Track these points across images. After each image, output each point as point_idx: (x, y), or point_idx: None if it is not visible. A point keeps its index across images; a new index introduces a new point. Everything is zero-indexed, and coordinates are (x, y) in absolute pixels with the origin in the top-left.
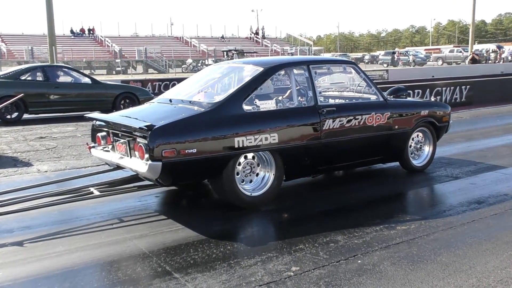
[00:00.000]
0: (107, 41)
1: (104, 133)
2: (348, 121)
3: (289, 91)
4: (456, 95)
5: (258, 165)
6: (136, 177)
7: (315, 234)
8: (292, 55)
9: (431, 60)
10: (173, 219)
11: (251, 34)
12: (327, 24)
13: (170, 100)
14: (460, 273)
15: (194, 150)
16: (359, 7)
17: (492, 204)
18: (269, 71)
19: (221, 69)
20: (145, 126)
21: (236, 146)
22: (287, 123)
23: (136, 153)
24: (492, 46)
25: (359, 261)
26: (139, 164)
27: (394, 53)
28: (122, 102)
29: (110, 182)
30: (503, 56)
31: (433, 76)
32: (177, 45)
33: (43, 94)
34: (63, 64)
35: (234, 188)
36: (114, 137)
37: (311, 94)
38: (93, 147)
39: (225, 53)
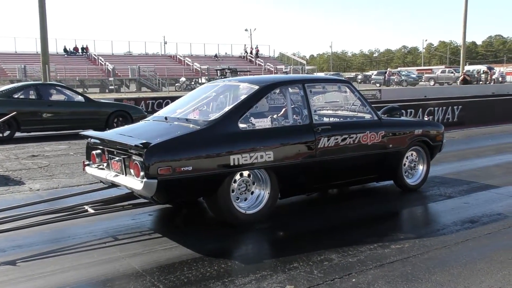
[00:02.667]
0: (101, 59)
1: (99, 151)
2: (343, 140)
3: (284, 109)
4: (448, 115)
5: (253, 183)
6: (130, 195)
7: (310, 252)
8: (287, 74)
9: (423, 80)
10: (167, 237)
11: (244, 53)
12: (320, 44)
13: (166, 118)
14: None
15: (190, 168)
16: (352, 27)
17: (486, 224)
18: (265, 90)
19: (216, 87)
20: (141, 143)
21: (232, 164)
22: (282, 141)
23: (132, 170)
24: (483, 67)
25: (354, 280)
26: (134, 182)
27: (386, 73)
28: (116, 120)
29: (105, 200)
30: (493, 77)
31: (425, 96)
32: (170, 64)
33: (36, 112)
34: (56, 82)
35: (229, 205)
36: (109, 155)
37: (306, 113)
38: (88, 165)
39: (218, 71)
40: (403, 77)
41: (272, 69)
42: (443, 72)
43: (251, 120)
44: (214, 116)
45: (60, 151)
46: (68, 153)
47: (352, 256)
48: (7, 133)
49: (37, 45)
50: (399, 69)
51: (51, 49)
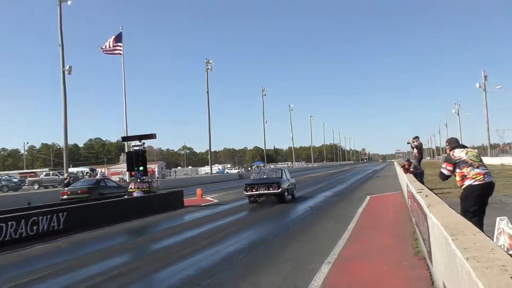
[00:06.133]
0: None
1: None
2: None
3: None
4: (54, 223)
5: None
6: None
7: None
8: None
9: (26, 184)
10: None
11: None
12: None
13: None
14: None
15: None
16: None
17: None
18: None
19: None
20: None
21: None
22: None
23: (271, 188)
24: (86, 169)
25: None
26: (274, 191)
27: None
28: None
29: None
30: (97, 178)
31: (29, 203)
32: None
33: None
34: None
35: None
36: (258, 186)
37: None
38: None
39: None
40: (3, 182)
41: None
42: (47, 174)
43: None
44: None
45: None
46: None
47: None
48: None
49: None
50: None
51: None
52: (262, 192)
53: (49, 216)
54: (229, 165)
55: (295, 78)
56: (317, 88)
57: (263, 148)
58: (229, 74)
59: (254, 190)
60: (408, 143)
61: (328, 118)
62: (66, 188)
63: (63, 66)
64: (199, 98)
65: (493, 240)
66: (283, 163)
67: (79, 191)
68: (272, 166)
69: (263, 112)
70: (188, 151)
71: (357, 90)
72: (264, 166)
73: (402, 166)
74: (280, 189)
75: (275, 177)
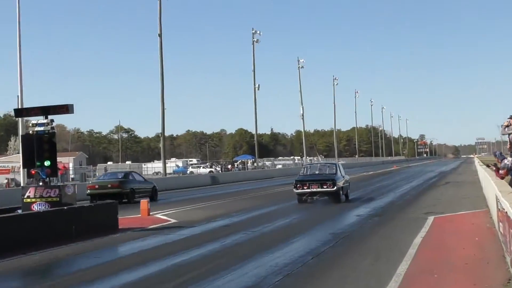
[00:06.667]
0: None
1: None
2: None
3: None
4: None
5: None
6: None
7: None
8: None
9: None
10: None
11: None
12: None
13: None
14: None
15: None
16: None
17: None
18: None
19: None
20: (330, 178)
21: None
22: None
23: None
24: None
25: None
26: (328, 189)
27: None
28: None
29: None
30: None
31: None
32: None
33: None
34: None
35: None
36: (309, 183)
37: None
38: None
39: None
40: None
41: None
42: None
43: None
44: None
45: None
46: None
47: None
48: None
49: None
50: None
51: None
52: (315, 190)
53: None
54: (195, 160)
55: (302, 20)
56: (343, 42)
57: (253, 132)
58: (198, 12)
59: (305, 188)
60: (501, 126)
61: (361, 86)
62: (92, 181)
63: None
64: (147, 51)
65: None
66: (287, 158)
67: (109, 185)
68: (267, 163)
69: (254, 71)
70: (125, 135)
71: (409, 48)
72: (254, 162)
73: (488, 166)
74: (335, 187)
75: (329, 173)
